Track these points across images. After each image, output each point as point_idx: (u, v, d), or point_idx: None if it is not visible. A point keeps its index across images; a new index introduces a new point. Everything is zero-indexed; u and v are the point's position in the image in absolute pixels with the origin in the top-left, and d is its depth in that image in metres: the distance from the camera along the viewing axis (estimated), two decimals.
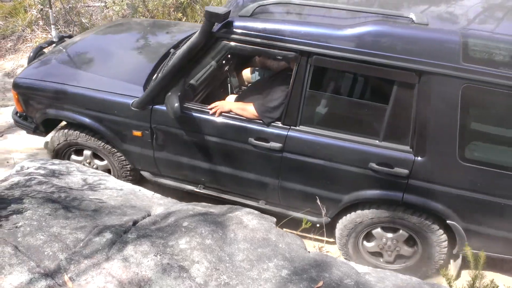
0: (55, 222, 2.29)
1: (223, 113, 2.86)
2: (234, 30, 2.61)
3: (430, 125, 2.49)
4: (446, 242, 2.83)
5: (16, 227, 2.19)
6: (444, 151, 2.52)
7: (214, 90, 3.40)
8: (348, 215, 2.93)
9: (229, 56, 3.46)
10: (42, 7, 6.03)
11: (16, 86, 3.17)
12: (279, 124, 2.77)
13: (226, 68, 3.58)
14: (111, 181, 3.07)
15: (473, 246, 2.66)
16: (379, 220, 2.85)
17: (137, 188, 3.06)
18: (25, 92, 3.18)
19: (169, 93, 2.79)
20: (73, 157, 3.40)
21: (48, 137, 3.42)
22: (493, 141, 2.59)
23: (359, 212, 2.87)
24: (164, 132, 3.00)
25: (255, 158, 2.88)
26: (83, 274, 1.98)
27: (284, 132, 2.75)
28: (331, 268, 2.24)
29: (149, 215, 2.67)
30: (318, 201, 2.85)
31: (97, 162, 3.40)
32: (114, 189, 2.91)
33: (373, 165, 2.63)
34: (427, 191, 2.64)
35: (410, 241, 2.95)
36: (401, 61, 2.38)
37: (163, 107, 2.85)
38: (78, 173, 3.04)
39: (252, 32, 2.58)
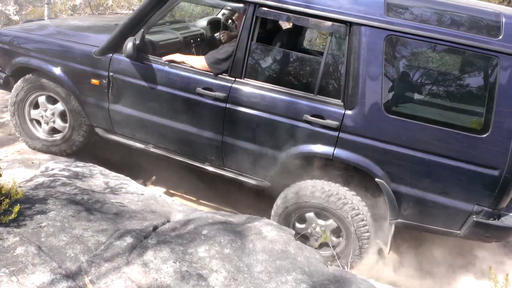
0: (77, 224, 2.32)
1: (175, 63, 3.04)
2: None
3: (358, 77, 2.64)
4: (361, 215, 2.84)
5: (40, 227, 2.23)
6: (370, 103, 2.63)
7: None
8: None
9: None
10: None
11: None
12: (226, 76, 2.92)
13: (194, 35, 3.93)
14: (132, 185, 3.10)
15: (405, 213, 2.78)
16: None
17: (157, 193, 3.09)
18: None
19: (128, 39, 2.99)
20: (32, 111, 3.50)
21: None
22: (416, 93, 2.70)
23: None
24: (120, 81, 3.14)
25: (201, 109, 3.00)
26: (104, 277, 1.99)
27: (229, 84, 2.90)
28: (350, 285, 2.21)
29: (168, 221, 2.69)
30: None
31: (52, 106, 3.45)
32: (135, 194, 2.94)
33: (307, 116, 2.74)
34: (356, 145, 2.71)
35: (337, 233, 2.97)
36: (334, 13, 2.63)
37: (122, 57, 3.07)
38: (101, 176, 3.09)
39: None
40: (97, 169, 3.18)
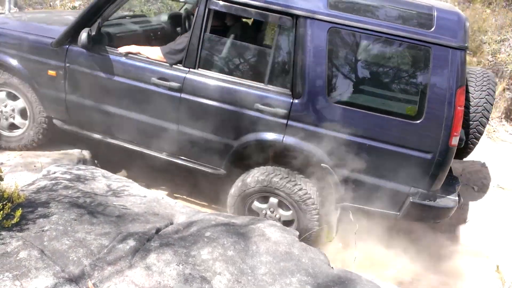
0: (80, 228, 2.31)
1: (131, 54, 3.12)
2: None
3: (304, 68, 2.79)
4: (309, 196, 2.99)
5: (43, 231, 2.22)
6: (316, 92, 2.80)
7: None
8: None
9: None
10: None
11: None
12: (181, 66, 3.02)
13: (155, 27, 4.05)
14: (134, 187, 3.08)
15: (350, 197, 2.97)
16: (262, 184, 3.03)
17: (160, 195, 3.08)
18: None
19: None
20: None
21: None
22: (357, 82, 2.86)
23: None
24: (76, 72, 3.21)
25: (157, 99, 3.08)
26: (107, 281, 1.98)
27: (183, 74, 3.01)
28: (355, 286, 2.19)
29: (171, 223, 2.68)
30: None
31: (12, 102, 3.51)
32: (138, 196, 2.93)
33: (258, 105, 2.89)
34: (303, 132, 2.87)
35: (284, 207, 3.11)
36: (280, 6, 2.77)
37: (78, 48, 3.13)
38: (103, 179, 3.07)
39: None
40: (99, 171, 3.17)
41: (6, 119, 3.52)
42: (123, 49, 3.13)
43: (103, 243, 2.23)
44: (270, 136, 2.93)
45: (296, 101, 2.85)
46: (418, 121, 2.71)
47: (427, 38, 2.62)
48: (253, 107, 2.90)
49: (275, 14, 2.80)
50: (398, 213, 2.95)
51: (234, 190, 3.18)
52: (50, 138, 3.64)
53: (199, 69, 3.00)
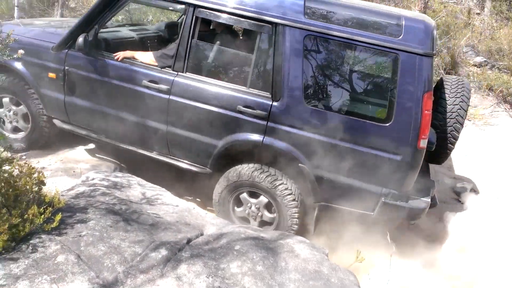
0: (115, 234, 2.38)
1: (125, 59, 3.33)
2: None
3: (282, 72, 2.97)
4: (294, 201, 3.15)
5: (80, 236, 2.30)
6: (293, 95, 2.97)
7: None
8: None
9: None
10: None
11: None
12: (170, 70, 3.23)
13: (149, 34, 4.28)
14: (167, 196, 3.15)
15: (326, 196, 3.10)
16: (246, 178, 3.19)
17: (191, 205, 3.13)
18: None
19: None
20: None
21: None
22: (332, 86, 3.03)
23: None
24: (74, 75, 3.44)
25: (147, 100, 3.27)
26: None
27: (172, 77, 3.21)
28: None
29: (202, 234, 2.71)
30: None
31: (15, 108, 3.77)
32: (170, 205, 2.99)
33: (240, 107, 3.06)
34: (282, 133, 3.03)
35: (270, 207, 3.28)
36: (261, 14, 2.96)
37: (76, 52, 3.38)
38: (138, 187, 3.16)
39: None
40: (135, 179, 3.26)
41: (10, 122, 3.84)
42: (118, 54, 3.34)
43: (136, 250, 2.29)
44: (251, 136, 3.10)
45: (275, 103, 3.01)
46: (388, 124, 2.85)
47: (395, 45, 2.79)
48: (235, 109, 3.08)
49: (256, 22, 3.00)
50: (372, 213, 3.05)
51: (218, 186, 3.36)
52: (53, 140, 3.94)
53: (186, 72, 3.20)
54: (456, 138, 3.29)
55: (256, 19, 2.98)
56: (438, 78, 3.62)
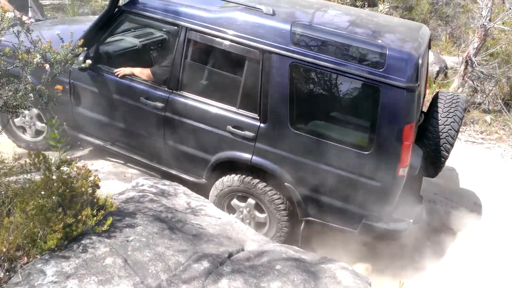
0: (161, 241, 2.44)
1: (125, 75, 3.48)
2: (136, 5, 3.37)
3: (269, 96, 3.08)
4: (285, 210, 3.33)
5: (127, 240, 2.38)
6: (279, 119, 3.09)
7: (137, 65, 3.69)
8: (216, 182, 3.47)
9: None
10: None
11: None
12: (165, 88, 3.37)
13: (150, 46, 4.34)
14: (210, 208, 3.20)
15: (312, 212, 3.27)
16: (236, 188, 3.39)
17: (233, 219, 3.15)
18: None
19: None
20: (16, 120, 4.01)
21: None
22: (316, 113, 3.12)
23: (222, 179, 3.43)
24: (79, 88, 3.62)
25: (145, 116, 3.45)
26: None
27: (167, 95, 3.36)
28: None
29: (243, 249, 2.72)
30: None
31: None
32: (213, 217, 3.03)
33: (230, 127, 3.21)
34: (269, 154, 3.17)
35: (262, 210, 3.45)
36: (249, 40, 3.05)
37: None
38: (184, 196, 3.23)
39: (148, 8, 3.33)
40: (181, 188, 3.34)
41: (30, 127, 4.06)
42: (119, 70, 3.48)
43: (179, 260, 2.33)
44: (241, 155, 3.26)
45: (262, 125, 3.15)
46: (368, 152, 2.94)
47: (377, 78, 2.79)
48: (225, 129, 3.23)
49: (245, 47, 3.08)
50: (356, 231, 3.20)
51: (213, 190, 3.51)
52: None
53: (180, 91, 3.33)
54: (445, 157, 3.38)
55: (244, 44, 3.07)
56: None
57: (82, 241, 2.27)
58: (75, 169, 2.45)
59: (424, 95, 3.72)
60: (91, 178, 2.48)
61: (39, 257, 2.12)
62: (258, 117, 3.15)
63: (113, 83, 3.51)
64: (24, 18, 4.83)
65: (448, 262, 3.66)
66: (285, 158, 3.13)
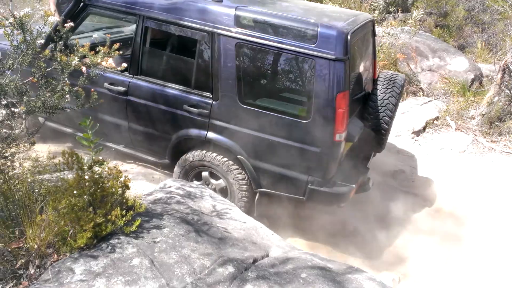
0: (186, 244, 2.45)
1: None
2: None
3: (219, 76, 3.44)
4: (243, 180, 3.68)
5: (154, 242, 2.40)
6: (229, 96, 3.44)
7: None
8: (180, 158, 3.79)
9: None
10: None
11: None
12: (127, 73, 3.72)
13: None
14: (236, 211, 3.19)
15: (264, 183, 3.63)
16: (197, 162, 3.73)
17: (258, 224, 3.14)
18: None
19: None
20: None
21: None
22: (261, 88, 3.47)
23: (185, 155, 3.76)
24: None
25: (110, 101, 3.74)
26: None
27: (128, 79, 3.73)
28: None
29: (267, 255, 2.70)
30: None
31: None
32: (238, 221, 3.02)
33: (186, 106, 3.56)
34: (222, 129, 3.54)
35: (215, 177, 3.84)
36: (200, 24, 3.42)
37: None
38: (210, 199, 3.24)
39: (109, 1, 3.67)
40: (207, 191, 3.35)
41: None
42: None
43: (205, 263, 2.33)
44: (196, 132, 3.61)
45: (215, 103, 3.50)
46: (307, 121, 3.30)
47: (311, 52, 3.17)
48: (182, 108, 3.57)
49: (196, 31, 3.46)
50: (304, 198, 3.55)
51: (176, 168, 3.82)
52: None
53: (140, 75, 3.68)
54: (386, 130, 3.81)
55: (195, 28, 3.44)
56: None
57: (111, 241, 2.30)
58: (106, 169, 2.49)
59: (375, 79, 4.14)
60: (122, 179, 2.52)
61: (68, 255, 2.16)
62: (211, 96, 3.51)
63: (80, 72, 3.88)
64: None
65: None
66: (236, 132, 3.50)
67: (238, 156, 3.54)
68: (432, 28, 8.98)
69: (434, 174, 5.14)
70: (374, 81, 3.98)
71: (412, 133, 6.14)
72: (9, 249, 2.06)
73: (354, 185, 3.54)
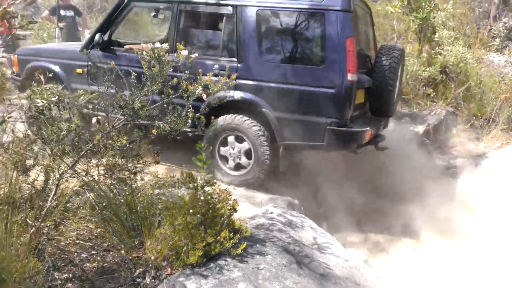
0: (289, 275, 2.41)
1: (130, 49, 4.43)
2: None
3: (243, 41, 4.07)
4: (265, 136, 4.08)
5: (258, 268, 2.40)
6: (252, 56, 4.04)
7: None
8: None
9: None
10: None
11: (17, 54, 5.29)
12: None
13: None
14: (337, 247, 3.09)
15: (287, 136, 4.02)
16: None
17: (361, 263, 3.00)
18: (21, 57, 5.20)
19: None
20: None
21: None
22: (280, 45, 4.08)
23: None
24: (94, 68, 4.45)
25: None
26: None
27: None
28: None
29: None
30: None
31: None
32: (340, 258, 2.91)
33: (216, 71, 3.94)
34: (247, 87, 4.04)
35: (248, 155, 4.19)
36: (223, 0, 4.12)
37: (95, 51, 4.51)
38: (310, 230, 3.18)
39: None
40: (308, 221, 3.31)
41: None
42: (128, 46, 4.47)
43: None
44: (226, 93, 3.95)
45: (239, 65, 4.06)
46: (322, 66, 3.87)
47: (321, 7, 3.84)
48: (214, 72, 3.89)
49: (222, 7, 4.14)
50: (323, 143, 3.90)
51: (206, 135, 4.17)
52: None
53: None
54: (392, 86, 4.31)
55: (221, 4, 4.11)
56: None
57: (219, 261, 2.36)
58: (217, 191, 2.59)
59: (377, 52, 4.63)
60: (230, 202, 2.59)
61: (181, 270, 2.26)
62: (236, 60, 4.09)
63: (121, 56, 4.42)
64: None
65: None
66: (259, 87, 3.99)
67: (263, 109, 3.97)
68: None
69: None
70: (377, 52, 4.55)
71: None
72: (130, 257, 2.21)
73: (369, 128, 3.99)
